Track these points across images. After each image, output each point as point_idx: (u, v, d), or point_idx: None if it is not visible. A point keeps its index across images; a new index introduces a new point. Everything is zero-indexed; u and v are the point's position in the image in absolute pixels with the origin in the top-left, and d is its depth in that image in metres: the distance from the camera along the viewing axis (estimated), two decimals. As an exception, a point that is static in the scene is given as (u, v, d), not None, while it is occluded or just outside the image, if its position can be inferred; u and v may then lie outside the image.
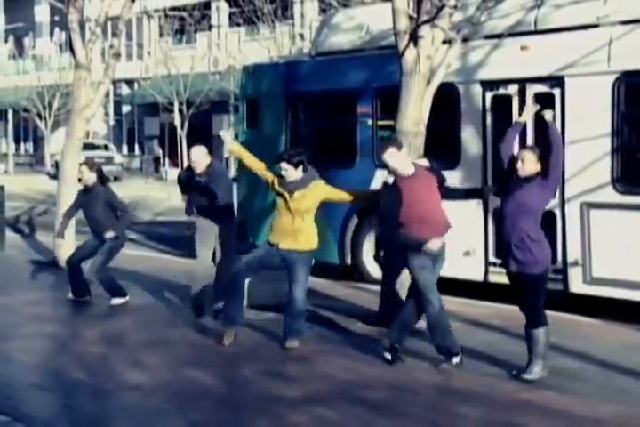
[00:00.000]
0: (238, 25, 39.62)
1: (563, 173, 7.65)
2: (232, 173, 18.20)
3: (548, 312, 7.46)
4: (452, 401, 6.89)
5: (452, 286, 9.56)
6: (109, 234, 10.22)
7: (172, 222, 20.17)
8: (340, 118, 12.45)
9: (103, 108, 47.25)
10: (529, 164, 7.18)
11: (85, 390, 7.25)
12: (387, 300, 9.15)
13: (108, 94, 42.48)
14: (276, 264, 8.41)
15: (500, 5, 10.50)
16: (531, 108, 7.98)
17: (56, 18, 49.55)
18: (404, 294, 8.45)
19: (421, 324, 8.18)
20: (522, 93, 10.39)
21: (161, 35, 42.90)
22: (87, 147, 32.23)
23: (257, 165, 8.55)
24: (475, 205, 10.42)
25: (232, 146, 8.69)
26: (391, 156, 7.67)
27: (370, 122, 11.88)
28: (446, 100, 10.39)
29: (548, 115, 7.38)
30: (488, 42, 10.62)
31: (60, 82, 43.59)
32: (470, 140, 10.86)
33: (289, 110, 12.99)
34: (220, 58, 39.89)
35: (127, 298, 10.48)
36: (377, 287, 9.87)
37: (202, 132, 35.72)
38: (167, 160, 42.34)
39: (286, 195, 8.23)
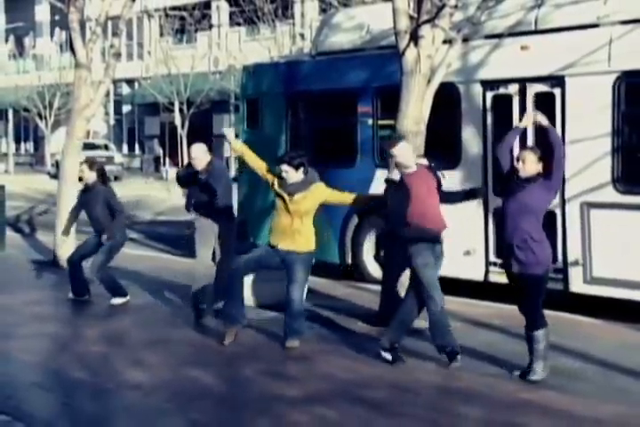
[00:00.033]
0: (239, 24, 39.59)
1: (563, 172, 7.65)
2: (232, 172, 18.20)
3: (548, 312, 7.47)
4: (453, 401, 6.88)
5: (452, 286, 9.55)
6: (106, 239, 10.25)
7: (172, 222, 20.18)
8: (340, 118, 12.44)
9: (103, 108, 47.19)
10: (530, 164, 7.17)
11: (86, 389, 7.25)
12: (387, 299, 9.15)
13: (108, 94, 42.40)
14: (275, 264, 8.41)
15: (501, 5, 10.50)
16: (531, 114, 7.95)
17: (56, 17, 49.59)
18: (404, 294, 8.45)
19: (421, 323, 8.19)
20: (522, 93, 10.38)
21: (161, 34, 42.87)
22: (87, 146, 32.17)
23: (258, 164, 8.55)
24: (475, 205, 10.41)
25: (235, 144, 8.69)
26: (400, 150, 7.71)
27: (370, 121, 11.88)
28: (447, 100, 10.40)
29: (544, 121, 7.36)
30: (488, 42, 10.63)
31: (61, 81, 43.51)
32: (471, 139, 10.86)
33: (289, 110, 12.99)
34: (220, 57, 39.84)
35: (127, 298, 10.48)
36: (377, 287, 9.87)
37: (202, 132, 35.70)
38: (167, 160, 42.27)
39: (286, 196, 8.22)
